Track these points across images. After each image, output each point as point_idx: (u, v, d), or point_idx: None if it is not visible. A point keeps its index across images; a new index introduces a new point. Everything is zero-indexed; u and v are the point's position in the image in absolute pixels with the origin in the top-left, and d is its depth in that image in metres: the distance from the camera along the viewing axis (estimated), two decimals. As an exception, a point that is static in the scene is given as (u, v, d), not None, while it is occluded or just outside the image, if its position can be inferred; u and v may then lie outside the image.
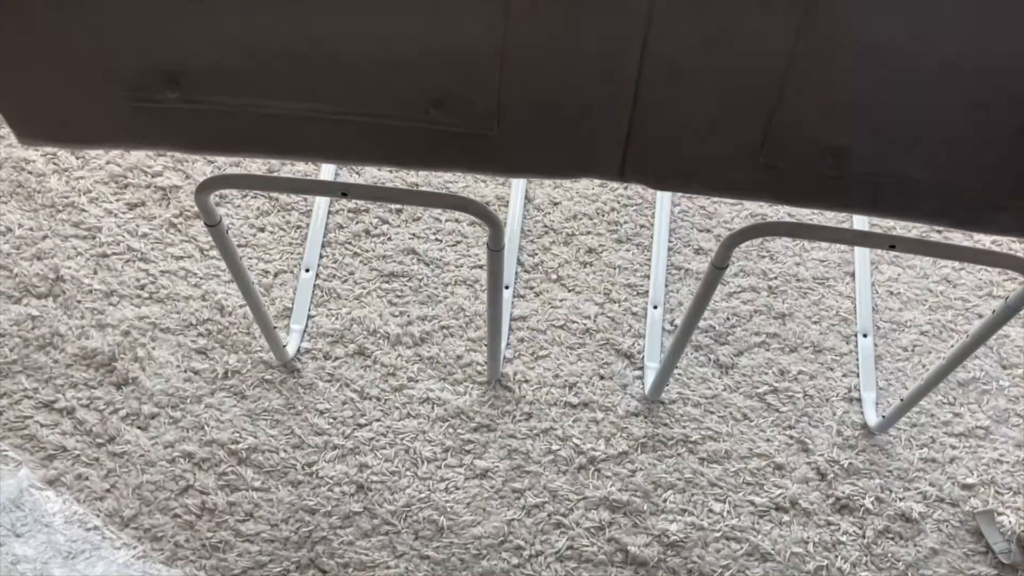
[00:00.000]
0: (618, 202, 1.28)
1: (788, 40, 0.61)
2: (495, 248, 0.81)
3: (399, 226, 1.24)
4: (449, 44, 0.63)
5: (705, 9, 0.60)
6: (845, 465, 1.11)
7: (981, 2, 0.57)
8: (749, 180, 0.72)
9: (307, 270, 1.21)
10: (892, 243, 0.75)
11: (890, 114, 0.66)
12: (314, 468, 1.09)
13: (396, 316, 1.19)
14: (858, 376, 1.17)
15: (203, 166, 1.28)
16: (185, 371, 1.14)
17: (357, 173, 1.29)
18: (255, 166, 1.28)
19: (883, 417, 1.11)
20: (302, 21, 0.63)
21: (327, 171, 1.28)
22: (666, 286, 1.22)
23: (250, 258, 1.21)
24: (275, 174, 1.26)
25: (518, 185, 1.28)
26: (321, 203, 1.25)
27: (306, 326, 1.19)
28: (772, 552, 1.07)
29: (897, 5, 0.58)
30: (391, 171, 1.29)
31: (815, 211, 1.26)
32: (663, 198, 1.29)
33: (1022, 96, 0.61)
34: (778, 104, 0.65)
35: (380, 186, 0.74)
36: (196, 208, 0.85)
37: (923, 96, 0.64)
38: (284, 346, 1.13)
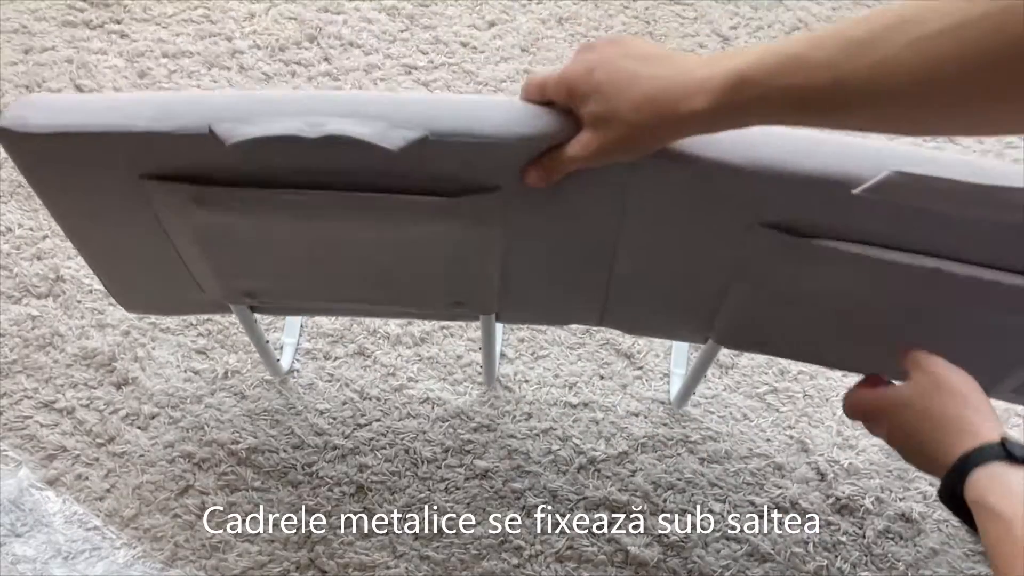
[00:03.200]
0: (618, 202, 1.28)
1: (724, 272, 0.82)
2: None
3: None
4: (462, 275, 0.86)
5: (660, 242, 0.81)
6: (845, 465, 1.11)
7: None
8: (704, 339, 0.94)
9: None
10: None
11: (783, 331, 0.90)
12: (314, 468, 1.09)
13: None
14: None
15: (203, 166, 1.28)
16: (185, 371, 1.14)
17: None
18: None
19: (883, 417, 1.11)
20: (348, 257, 0.85)
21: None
22: (666, 286, 1.22)
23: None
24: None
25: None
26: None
27: (298, 342, 1.19)
28: (772, 552, 1.07)
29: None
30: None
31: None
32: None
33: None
34: (720, 301, 0.85)
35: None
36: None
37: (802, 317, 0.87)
38: (277, 360, 1.13)
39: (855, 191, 0.68)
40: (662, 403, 1.14)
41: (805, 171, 0.70)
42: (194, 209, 0.79)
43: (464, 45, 1.40)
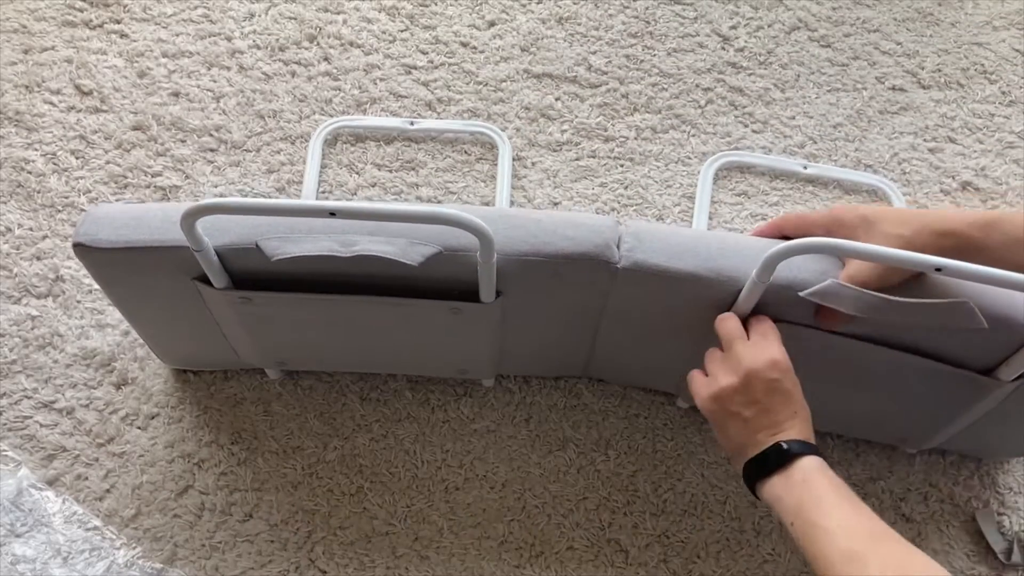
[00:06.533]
0: (618, 202, 1.28)
1: (687, 352, 0.93)
2: (486, 260, 0.83)
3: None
4: (468, 352, 1.02)
5: (627, 329, 0.97)
6: (845, 465, 1.11)
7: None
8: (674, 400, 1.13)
9: None
10: (938, 267, 0.75)
11: None
12: (314, 469, 1.09)
13: (396, 316, 1.19)
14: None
15: (203, 166, 1.28)
16: (185, 371, 1.14)
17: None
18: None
19: (883, 418, 1.12)
20: (371, 337, 0.98)
21: (310, 190, 1.28)
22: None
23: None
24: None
25: (502, 192, 1.28)
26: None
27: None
28: (772, 553, 1.07)
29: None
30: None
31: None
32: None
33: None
34: (686, 369, 0.96)
35: (370, 205, 0.75)
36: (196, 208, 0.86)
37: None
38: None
39: (801, 294, 0.81)
40: (662, 403, 1.14)
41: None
42: (241, 306, 0.90)
43: (464, 45, 1.40)
